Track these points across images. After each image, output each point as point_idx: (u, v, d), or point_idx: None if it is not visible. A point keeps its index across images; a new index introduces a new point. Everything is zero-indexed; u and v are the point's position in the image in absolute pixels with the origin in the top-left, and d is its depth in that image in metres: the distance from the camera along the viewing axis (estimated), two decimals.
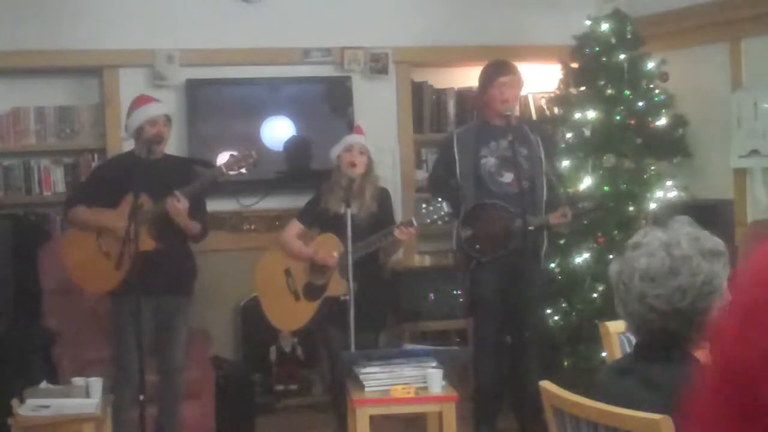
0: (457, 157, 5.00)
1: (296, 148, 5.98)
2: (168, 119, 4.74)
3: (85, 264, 4.69)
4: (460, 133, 5.16)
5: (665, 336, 2.09)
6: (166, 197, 4.51)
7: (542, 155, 4.97)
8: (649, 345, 2.12)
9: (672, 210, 5.03)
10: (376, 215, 4.80)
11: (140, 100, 4.77)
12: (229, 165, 4.61)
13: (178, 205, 4.46)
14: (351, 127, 5.81)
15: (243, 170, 4.62)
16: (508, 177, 4.94)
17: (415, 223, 4.63)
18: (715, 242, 2.11)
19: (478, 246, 4.94)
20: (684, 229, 2.13)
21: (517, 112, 5.14)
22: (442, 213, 4.59)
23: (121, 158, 4.91)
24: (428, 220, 4.61)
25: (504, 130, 4.89)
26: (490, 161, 4.99)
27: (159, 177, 4.55)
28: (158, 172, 4.57)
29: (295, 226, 4.88)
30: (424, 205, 4.68)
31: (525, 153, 4.94)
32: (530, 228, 4.76)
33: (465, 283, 5.03)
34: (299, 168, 5.92)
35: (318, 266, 4.76)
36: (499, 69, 5.02)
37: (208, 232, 4.82)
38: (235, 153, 4.68)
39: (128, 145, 5.01)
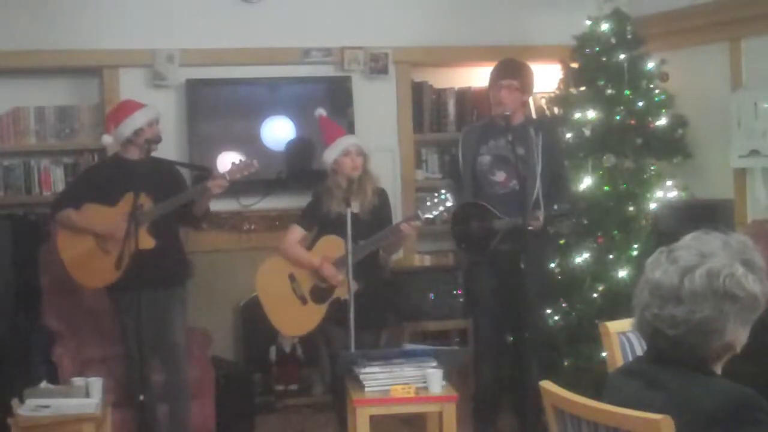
0: (460, 155, 5.02)
1: (296, 149, 5.98)
2: (158, 121, 4.88)
3: (83, 260, 4.74)
4: (466, 130, 5.18)
5: (681, 360, 2.06)
6: (163, 195, 4.62)
7: (539, 157, 4.91)
8: (659, 351, 2.10)
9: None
10: (378, 210, 4.80)
11: (133, 105, 4.82)
12: (231, 173, 4.70)
13: (222, 182, 4.64)
14: (351, 127, 5.81)
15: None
16: (500, 176, 4.94)
17: (421, 216, 4.63)
18: (740, 285, 1.99)
19: (463, 245, 4.98)
20: (717, 259, 2.01)
21: (518, 114, 5.08)
22: (448, 205, 4.59)
23: (109, 161, 5.00)
24: (434, 213, 4.62)
25: (505, 129, 4.88)
26: (485, 159, 4.99)
27: (153, 177, 4.63)
28: (151, 172, 4.64)
29: (296, 232, 4.86)
30: (428, 198, 4.67)
31: (522, 153, 4.91)
32: (497, 231, 4.73)
33: (462, 280, 5.04)
34: (299, 168, 5.92)
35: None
36: (502, 71, 4.99)
37: (209, 214, 5.00)
38: (237, 161, 4.75)
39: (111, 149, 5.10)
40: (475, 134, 5.07)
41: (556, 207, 4.76)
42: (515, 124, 4.91)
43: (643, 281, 2.10)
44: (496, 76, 4.99)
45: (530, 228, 4.62)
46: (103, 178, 4.78)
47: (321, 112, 5.02)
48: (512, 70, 5.00)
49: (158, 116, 4.83)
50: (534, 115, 6.31)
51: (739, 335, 2.03)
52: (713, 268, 2.01)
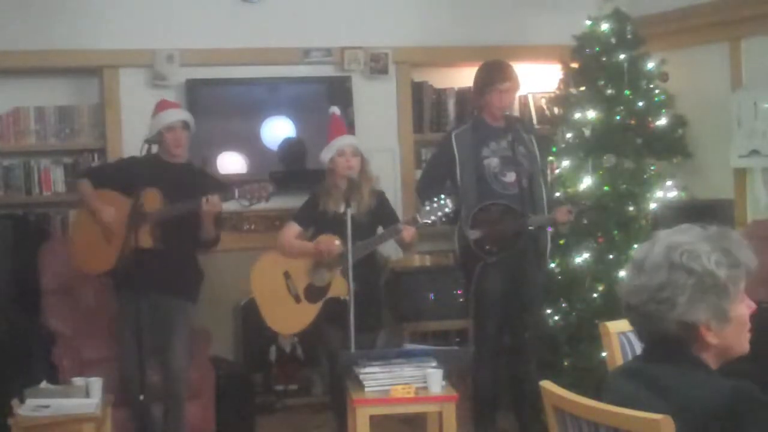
0: (457, 157, 4.99)
1: (296, 149, 5.98)
2: (185, 125, 4.84)
3: (86, 243, 4.78)
4: (458, 133, 5.11)
5: (652, 339, 2.08)
6: (178, 200, 4.60)
7: (538, 154, 4.98)
8: (652, 347, 2.11)
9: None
10: (375, 212, 4.80)
11: (160, 106, 4.85)
12: (242, 194, 4.64)
13: (215, 202, 4.55)
14: (351, 127, 5.81)
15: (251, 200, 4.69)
16: (510, 176, 4.94)
17: (419, 220, 4.63)
18: (698, 260, 2.00)
19: (487, 247, 4.91)
20: (679, 237, 2.06)
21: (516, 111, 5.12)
22: (447, 210, 4.59)
23: (147, 157, 4.95)
24: (432, 218, 4.61)
25: (503, 130, 4.89)
26: (493, 161, 4.98)
27: (175, 179, 4.64)
28: (175, 176, 4.67)
29: (293, 228, 4.87)
30: (427, 203, 4.66)
31: (523, 152, 4.94)
32: (530, 228, 4.76)
33: (470, 284, 4.99)
34: (299, 168, 5.92)
35: (319, 267, 4.74)
36: (497, 75, 4.99)
37: (219, 240, 4.91)
38: (252, 185, 4.67)
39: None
40: (469, 136, 5.05)
41: (585, 202, 4.96)
42: (501, 125, 4.94)
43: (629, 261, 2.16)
44: (491, 80, 4.99)
45: (559, 221, 4.92)
46: (134, 169, 4.72)
47: (335, 110, 5.02)
48: (506, 72, 5.02)
49: (176, 120, 4.78)
50: (534, 116, 6.33)
51: (698, 317, 2.01)
52: (674, 241, 2.05)
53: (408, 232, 4.64)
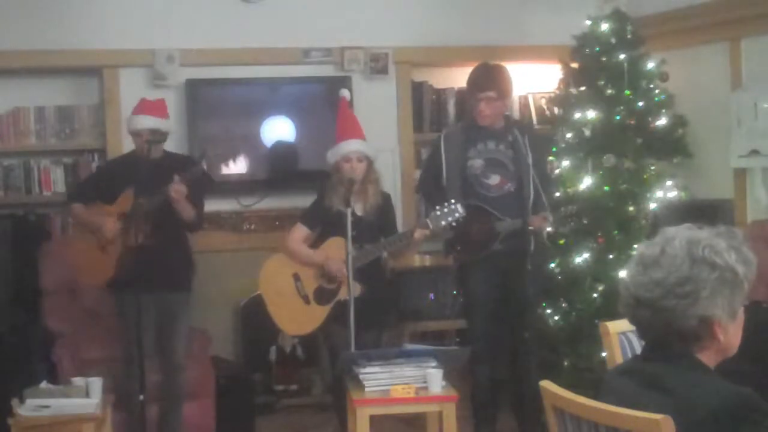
0: (444, 158, 4.97)
1: (296, 149, 5.98)
2: (153, 132, 4.73)
3: (85, 260, 4.75)
4: (447, 134, 5.11)
5: (663, 336, 2.07)
6: (151, 193, 4.56)
7: (530, 158, 4.90)
8: (653, 346, 2.11)
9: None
10: (382, 212, 4.79)
11: (136, 108, 4.83)
12: (208, 160, 4.71)
13: (179, 188, 4.51)
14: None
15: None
16: (494, 179, 4.94)
17: (429, 225, 4.61)
18: (720, 255, 2.01)
19: (458, 248, 4.97)
20: (697, 233, 2.06)
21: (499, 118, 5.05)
22: (457, 215, 4.58)
23: (123, 158, 4.99)
24: (443, 223, 4.60)
25: (491, 131, 4.88)
26: (476, 163, 4.97)
27: (156, 175, 4.59)
28: (156, 171, 4.61)
29: (301, 230, 4.84)
30: (437, 207, 4.65)
31: (512, 155, 4.89)
32: (499, 232, 4.79)
33: (455, 282, 5.05)
34: (299, 168, 5.92)
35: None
36: (479, 83, 4.93)
37: (203, 220, 4.89)
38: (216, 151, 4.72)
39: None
40: (458, 137, 5.03)
41: (563, 209, 4.87)
42: (498, 127, 4.92)
43: (632, 259, 2.14)
44: (473, 88, 4.95)
45: (534, 228, 4.74)
46: (111, 174, 4.78)
47: (344, 93, 4.99)
48: (487, 80, 4.93)
49: (144, 128, 4.71)
50: (534, 116, 6.32)
51: (716, 312, 2.01)
52: (694, 236, 2.05)
53: (420, 235, 4.63)
